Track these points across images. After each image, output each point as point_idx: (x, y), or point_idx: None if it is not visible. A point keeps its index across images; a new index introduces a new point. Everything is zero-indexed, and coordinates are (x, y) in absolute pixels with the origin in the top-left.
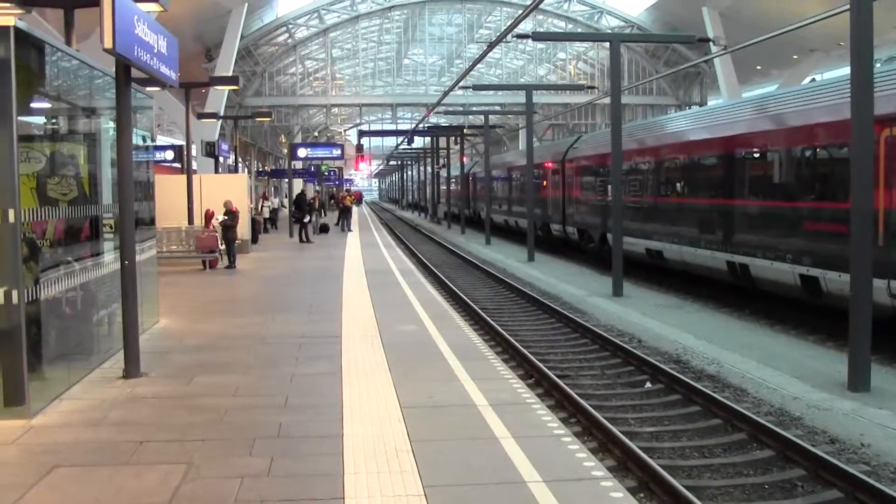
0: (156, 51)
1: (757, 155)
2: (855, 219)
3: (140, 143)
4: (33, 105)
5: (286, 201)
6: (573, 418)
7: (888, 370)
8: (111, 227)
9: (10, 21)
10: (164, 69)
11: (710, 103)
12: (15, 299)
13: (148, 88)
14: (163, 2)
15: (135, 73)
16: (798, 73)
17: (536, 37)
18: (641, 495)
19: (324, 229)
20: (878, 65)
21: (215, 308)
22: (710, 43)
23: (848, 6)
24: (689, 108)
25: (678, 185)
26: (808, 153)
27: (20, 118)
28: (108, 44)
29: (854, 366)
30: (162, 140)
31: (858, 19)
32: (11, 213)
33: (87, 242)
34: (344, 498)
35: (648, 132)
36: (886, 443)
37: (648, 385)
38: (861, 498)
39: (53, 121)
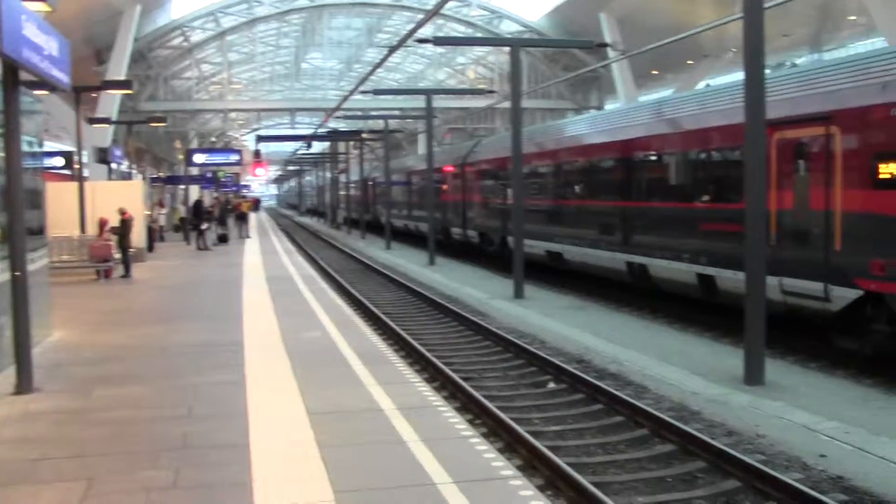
0: (46, 52)
1: (654, 158)
2: (749, 219)
3: (28, 148)
4: None
5: (181, 209)
6: (479, 419)
7: (781, 364)
8: None
9: None
10: (55, 72)
11: (607, 107)
12: None
13: (36, 91)
14: (50, 1)
15: (23, 75)
16: (692, 78)
17: (438, 41)
18: (549, 493)
19: (223, 239)
20: (767, 71)
21: (112, 318)
22: (608, 48)
23: (741, 14)
24: (587, 112)
25: (577, 187)
26: (703, 156)
27: None
28: None
29: (749, 361)
30: (50, 146)
31: (751, 26)
32: None
33: None
34: None
35: (548, 136)
36: (780, 433)
37: (552, 385)
38: (757, 486)
39: None
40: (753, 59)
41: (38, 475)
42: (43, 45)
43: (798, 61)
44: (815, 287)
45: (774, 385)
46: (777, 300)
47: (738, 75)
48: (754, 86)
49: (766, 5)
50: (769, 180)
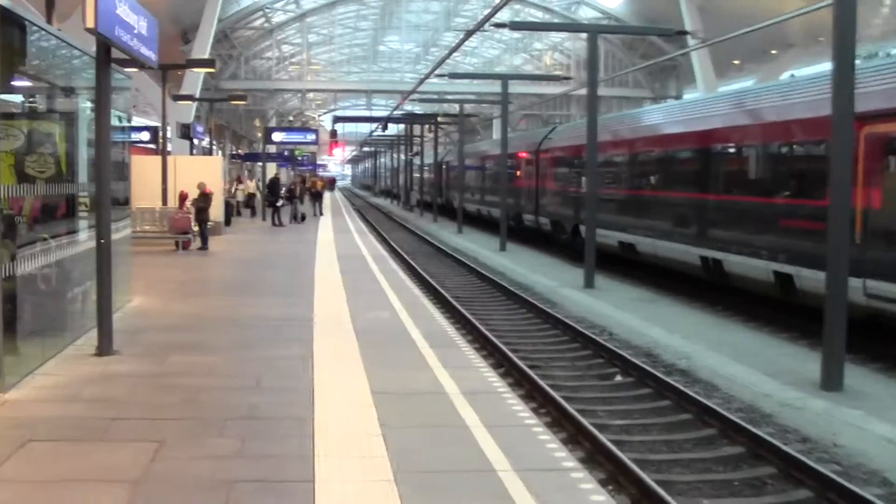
0: (136, 31)
1: (733, 150)
2: (832, 217)
3: (117, 123)
4: (13, 83)
5: (251, 185)
6: (543, 409)
7: (862, 370)
8: (87, 206)
9: None
10: (143, 50)
11: (685, 97)
12: None
13: (126, 69)
14: None
15: (114, 53)
16: (776, 69)
17: (514, 26)
18: (610, 488)
19: (301, 218)
20: (858, 61)
21: (188, 289)
22: (688, 36)
23: (831, 1)
24: (665, 101)
25: (652, 178)
26: (785, 149)
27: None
28: (90, 23)
29: (828, 365)
30: (138, 121)
31: (841, 15)
32: None
33: (63, 220)
34: (315, 480)
35: (624, 124)
36: (859, 443)
37: (618, 378)
38: (832, 498)
39: (32, 99)
40: (843, 49)
41: (113, 434)
42: (133, 25)
43: (894, 51)
44: None
45: (854, 392)
46: (860, 303)
47: (826, 66)
48: (843, 77)
49: None
50: (856, 177)
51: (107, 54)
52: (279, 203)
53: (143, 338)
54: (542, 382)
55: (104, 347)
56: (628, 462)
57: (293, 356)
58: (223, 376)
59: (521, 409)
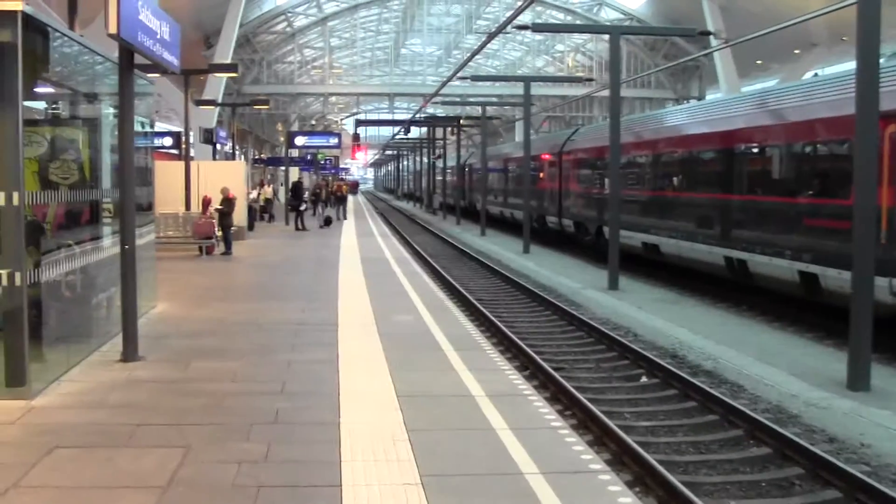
0: (158, 37)
1: (756, 150)
2: (858, 216)
3: (140, 128)
4: (36, 89)
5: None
6: (569, 411)
7: (888, 370)
8: (110, 212)
9: (17, 6)
10: (166, 55)
11: (708, 97)
12: (18, 281)
13: (148, 74)
14: None
15: (137, 58)
16: (799, 68)
17: (536, 28)
18: (638, 490)
19: (327, 222)
20: (882, 60)
21: (212, 294)
22: (711, 36)
23: (854, 0)
24: (688, 101)
25: (675, 179)
26: (809, 149)
27: (23, 103)
28: (112, 29)
29: (854, 364)
30: (160, 126)
31: (865, 13)
32: (16, 196)
33: (87, 226)
34: (341, 485)
35: (646, 126)
36: (888, 444)
37: (644, 379)
38: (861, 499)
39: (55, 105)
40: (867, 48)
41: (139, 439)
42: (156, 30)
43: None
44: None
45: (881, 392)
46: (886, 302)
47: (850, 65)
48: (867, 75)
49: None
50: (880, 175)
51: (129, 60)
52: (302, 207)
53: (167, 343)
54: (567, 384)
55: (129, 353)
56: (655, 464)
57: (318, 360)
58: (248, 381)
59: (547, 412)
